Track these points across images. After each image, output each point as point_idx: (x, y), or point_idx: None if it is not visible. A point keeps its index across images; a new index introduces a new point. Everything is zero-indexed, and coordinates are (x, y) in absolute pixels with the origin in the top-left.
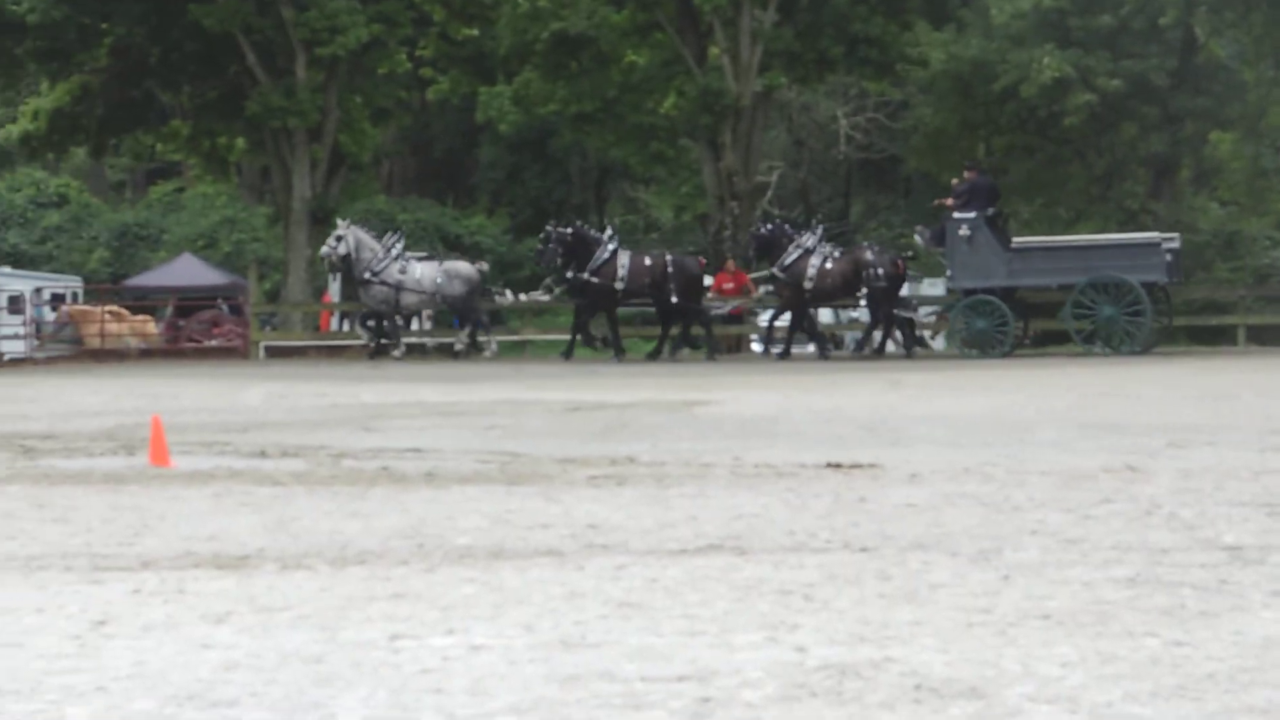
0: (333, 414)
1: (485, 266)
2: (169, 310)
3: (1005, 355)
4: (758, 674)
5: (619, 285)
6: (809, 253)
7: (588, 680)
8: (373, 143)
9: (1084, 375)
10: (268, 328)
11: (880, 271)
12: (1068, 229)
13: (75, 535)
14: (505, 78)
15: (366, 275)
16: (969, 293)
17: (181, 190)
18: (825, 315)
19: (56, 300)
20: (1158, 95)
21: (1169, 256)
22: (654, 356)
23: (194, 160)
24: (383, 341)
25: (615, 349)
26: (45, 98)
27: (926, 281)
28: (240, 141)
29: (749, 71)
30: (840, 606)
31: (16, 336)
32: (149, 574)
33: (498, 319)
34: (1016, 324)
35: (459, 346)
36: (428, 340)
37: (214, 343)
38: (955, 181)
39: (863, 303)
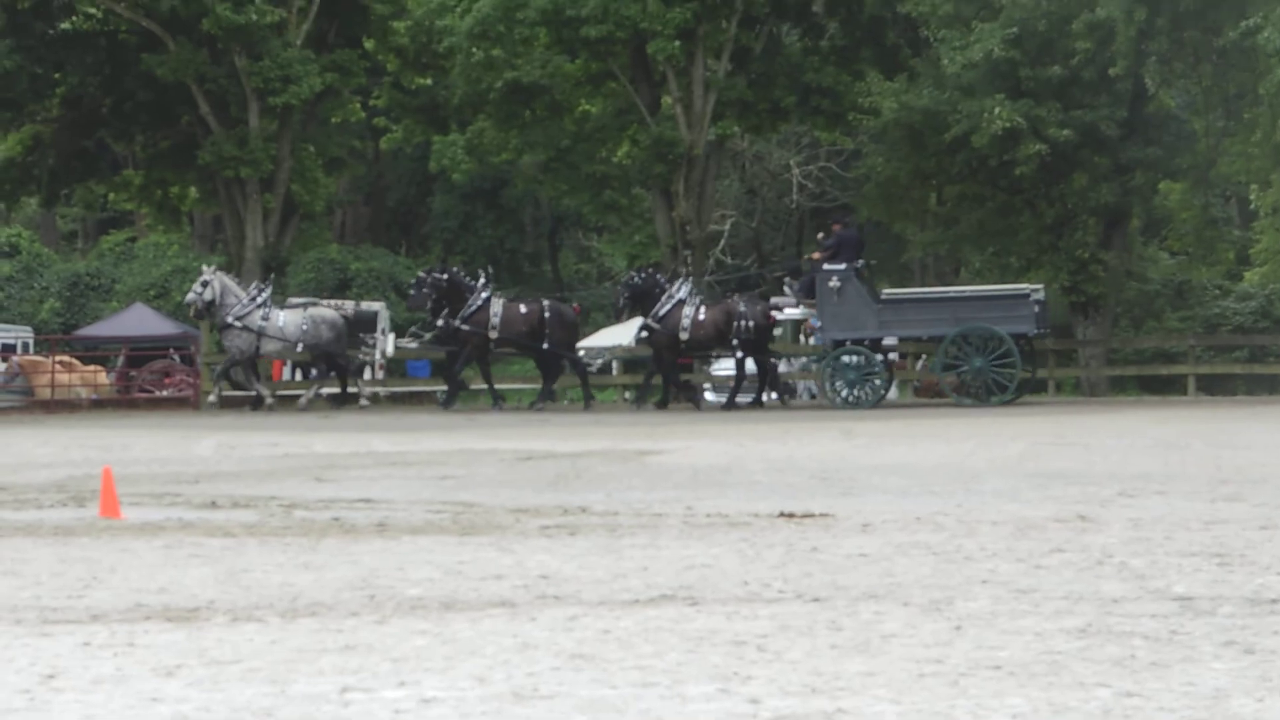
0: (284, 464)
1: (350, 311)
2: (120, 360)
3: (875, 405)
4: None
5: (492, 333)
6: (682, 303)
7: None
8: (326, 192)
9: (1034, 424)
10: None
11: (750, 324)
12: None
13: (24, 588)
14: (459, 127)
15: (229, 320)
16: (838, 343)
17: (133, 240)
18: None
19: (7, 350)
20: (1108, 145)
21: (1037, 308)
22: (536, 405)
23: (146, 210)
24: (238, 392)
25: (493, 397)
26: None
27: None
28: (193, 191)
29: (702, 120)
30: (793, 657)
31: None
32: (99, 627)
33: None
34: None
35: (306, 397)
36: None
37: (165, 393)
38: (821, 236)
39: (738, 354)
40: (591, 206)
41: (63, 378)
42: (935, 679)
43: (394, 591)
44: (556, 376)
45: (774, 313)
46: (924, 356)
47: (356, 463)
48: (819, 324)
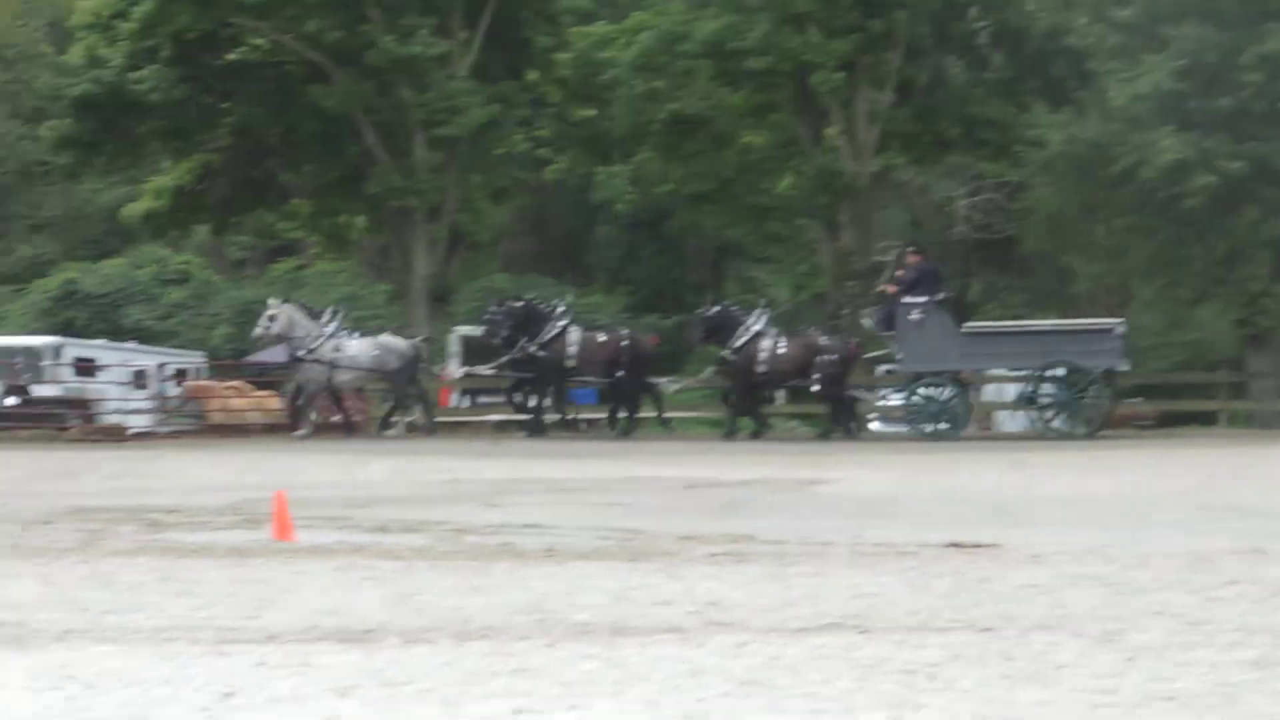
0: (454, 490)
1: (421, 340)
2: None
3: (958, 437)
4: None
5: (570, 362)
6: (760, 335)
7: None
8: (491, 222)
9: (1208, 456)
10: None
11: (835, 359)
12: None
13: (201, 608)
14: (622, 158)
15: (300, 354)
16: (918, 376)
17: (302, 268)
18: None
19: (180, 375)
20: None
21: (1120, 342)
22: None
23: (315, 238)
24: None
25: (539, 428)
26: (167, 176)
27: None
28: (360, 220)
29: (866, 151)
30: (964, 686)
31: (141, 411)
32: (274, 647)
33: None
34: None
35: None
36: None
37: (336, 418)
38: (899, 272)
39: (815, 387)
40: (755, 237)
41: (235, 403)
42: (1109, 710)
43: (563, 616)
44: (637, 407)
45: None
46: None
47: (525, 488)
48: (900, 356)
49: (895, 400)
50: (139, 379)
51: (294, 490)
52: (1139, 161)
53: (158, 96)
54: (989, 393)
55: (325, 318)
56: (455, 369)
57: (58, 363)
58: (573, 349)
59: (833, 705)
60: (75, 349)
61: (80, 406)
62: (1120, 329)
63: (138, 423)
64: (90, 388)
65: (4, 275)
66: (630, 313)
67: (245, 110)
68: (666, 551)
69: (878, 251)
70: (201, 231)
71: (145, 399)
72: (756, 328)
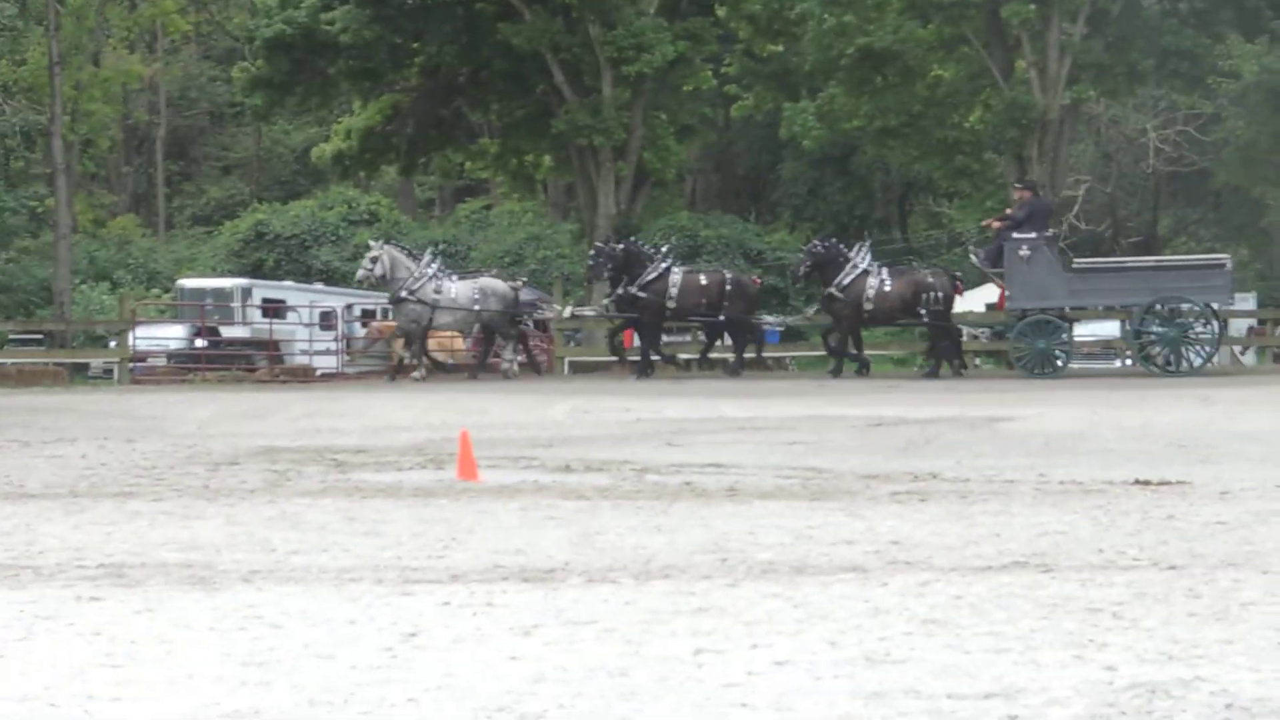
0: (636, 429)
1: (520, 284)
2: (476, 326)
3: (1059, 375)
4: (1065, 692)
5: (670, 303)
6: (866, 273)
7: (893, 697)
8: (677, 160)
9: None
10: (572, 343)
11: (940, 295)
12: None
13: (386, 548)
14: (809, 94)
15: (402, 294)
16: (1026, 313)
17: (489, 208)
18: None
19: (366, 316)
20: None
21: (1229, 278)
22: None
23: (501, 178)
24: (404, 361)
25: (646, 368)
26: (357, 117)
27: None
28: (547, 159)
29: (1056, 84)
30: (1149, 625)
31: (328, 352)
32: (458, 586)
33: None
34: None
35: (504, 366)
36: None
37: (520, 359)
38: (1009, 209)
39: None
40: (943, 172)
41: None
42: None
43: (745, 555)
44: (745, 347)
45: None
46: None
47: (707, 428)
48: (1008, 293)
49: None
50: (326, 320)
51: (478, 430)
52: None
53: (348, 37)
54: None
55: (425, 259)
56: (566, 310)
57: (247, 304)
58: (674, 290)
59: (1016, 644)
60: (264, 290)
61: (268, 348)
62: (1229, 265)
63: (325, 364)
64: (278, 329)
65: (194, 217)
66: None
67: (434, 49)
68: (849, 490)
69: (1068, 185)
70: (390, 172)
71: (332, 340)
72: (862, 265)
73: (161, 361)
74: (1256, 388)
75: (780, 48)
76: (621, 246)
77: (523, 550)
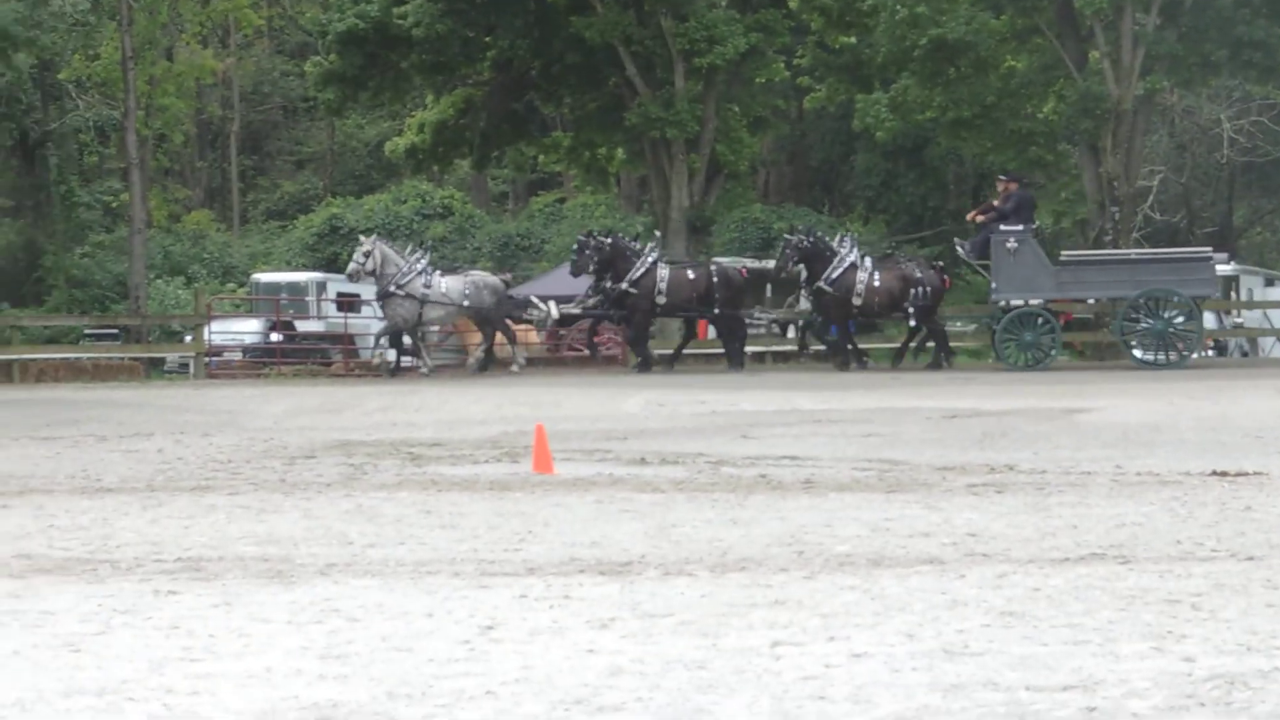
0: (711, 422)
1: (509, 278)
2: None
3: (1048, 366)
4: (1144, 684)
5: (660, 299)
6: (854, 266)
7: (971, 689)
8: (750, 152)
9: None
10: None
11: (928, 289)
12: None
13: (462, 541)
14: (882, 85)
15: (391, 289)
16: (1012, 306)
17: (562, 201)
18: None
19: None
20: None
21: (1214, 271)
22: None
23: (574, 171)
24: (404, 360)
25: (642, 361)
26: (430, 111)
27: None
28: (619, 152)
29: (1130, 75)
30: (1227, 616)
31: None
32: (535, 579)
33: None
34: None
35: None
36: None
37: (587, 352)
38: (995, 201)
39: (911, 321)
40: (1016, 163)
41: (498, 337)
42: None
43: (822, 548)
44: (732, 339)
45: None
46: None
47: (782, 420)
48: (994, 285)
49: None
50: None
51: (552, 423)
52: None
53: (421, 31)
54: None
55: (415, 254)
56: (554, 308)
57: (321, 298)
58: (663, 284)
59: (1094, 636)
60: (338, 284)
61: (343, 342)
62: (1214, 258)
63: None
64: (353, 323)
65: (269, 211)
66: (889, 241)
67: (506, 43)
68: (925, 483)
69: (1143, 176)
70: (463, 166)
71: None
72: (850, 258)
73: (237, 356)
74: None
75: (853, 39)
76: (609, 241)
77: (599, 543)
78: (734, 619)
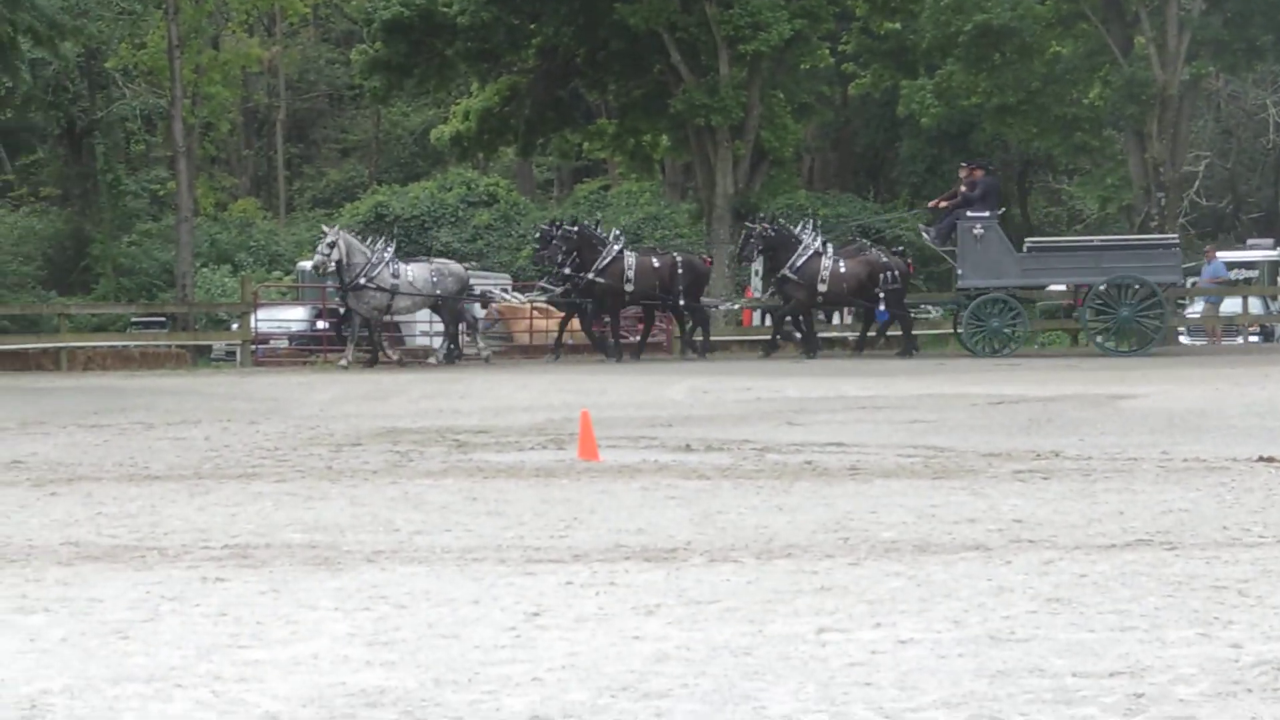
0: (756, 408)
1: (470, 267)
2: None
3: (1014, 353)
4: (1191, 670)
5: (628, 286)
6: (819, 254)
7: (1018, 675)
8: (794, 138)
9: None
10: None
11: (896, 274)
12: None
13: (508, 528)
14: (927, 71)
15: (361, 280)
16: (979, 292)
17: (607, 188)
18: None
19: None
20: None
21: (1179, 257)
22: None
23: (619, 158)
24: (363, 350)
25: (614, 351)
26: (475, 99)
27: None
28: (664, 139)
29: (1176, 60)
30: (1275, 602)
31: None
32: (580, 566)
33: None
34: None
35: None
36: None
37: (638, 339)
38: (964, 186)
39: (880, 307)
40: (1062, 149)
41: (540, 324)
42: None
43: (867, 534)
44: (694, 328)
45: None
46: None
47: (827, 406)
48: (960, 271)
49: (1193, 313)
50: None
51: (597, 410)
52: None
53: (466, 19)
54: None
55: (379, 245)
56: (518, 298)
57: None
58: (630, 272)
59: (1141, 622)
60: None
61: (389, 330)
62: (1177, 244)
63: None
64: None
65: (315, 199)
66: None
67: (551, 31)
68: (971, 469)
69: (1188, 162)
70: (508, 153)
71: None
72: (814, 246)
73: (283, 344)
74: None
75: (898, 25)
76: (576, 229)
77: (644, 530)
78: (780, 605)
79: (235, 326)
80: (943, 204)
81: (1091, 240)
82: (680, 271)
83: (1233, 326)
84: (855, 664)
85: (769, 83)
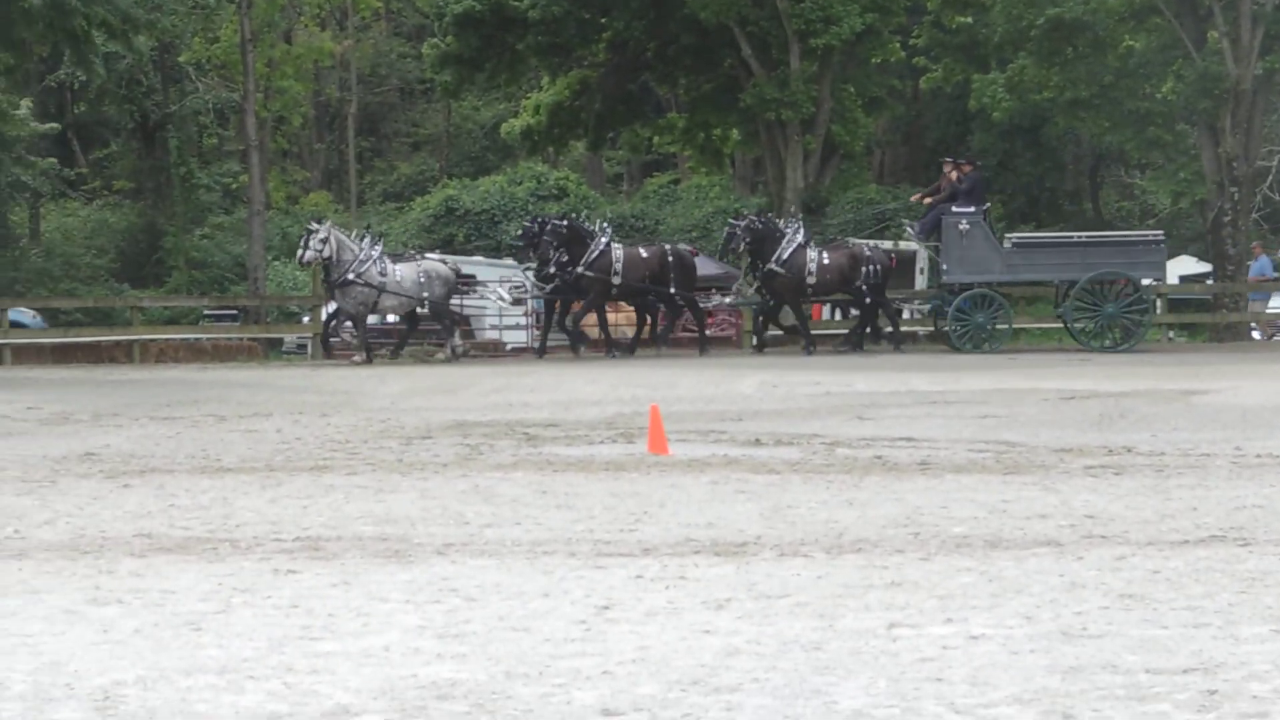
0: (826, 403)
1: (459, 269)
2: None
3: (999, 349)
4: (1265, 667)
5: (616, 279)
6: (803, 247)
7: (1090, 671)
8: (865, 132)
9: None
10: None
11: (878, 268)
12: None
13: (578, 521)
14: (998, 65)
15: (350, 277)
16: (964, 287)
17: (677, 182)
18: None
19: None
20: None
21: (1164, 254)
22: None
23: (689, 152)
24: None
25: (617, 347)
26: (545, 93)
27: None
28: (734, 133)
29: (1249, 54)
30: None
31: (518, 327)
32: (650, 560)
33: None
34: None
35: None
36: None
37: (708, 332)
38: (955, 177)
39: (866, 299)
40: (1134, 144)
41: (608, 317)
42: None
43: (938, 529)
44: (701, 319)
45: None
46: None
47: (897, 401)
48: (945, 266)
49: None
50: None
51: (666, 404)
52: None
53: (537, 13)
54: None
55: (366, 242)
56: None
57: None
58: (619, 265)
59: (1215, 619)
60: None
61: (459, 323)
62: (1162, 241)
63: (515, 339)
64: (468, 304)
65: (385, 193)
66: (1005, 222)
67: (622, 24)
68: (1042, 464)
69: (1262, 156)
70: (578, 147)
71: (522, 315)
72: (798, 240)
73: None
74: None
75: (969, 19)
76: (565, 223)
77: (714, 524)
78: (850, 600)
79: (307, 319)
80: (926, 200)
81: (1076, 236)
82: (671, 261)
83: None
84: (926, 659)
85: (840, 77)
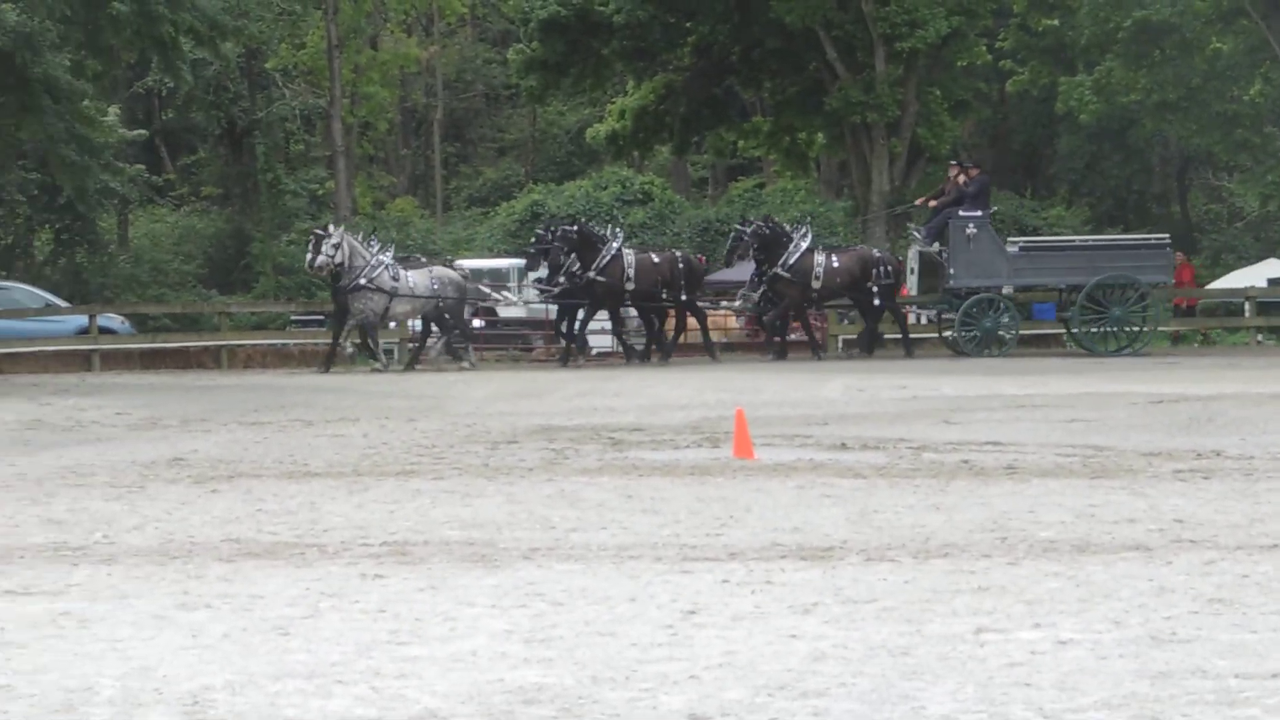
0: (912, 407)
1: (468, 273)
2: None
3: (1007, 354)
4: None
5: (629, 285)
6: (811, 251)
7: (1179, 677)
8: (951, 135)
9: None
10: (845, 321)
11: (889, 269)
12: None
13: (664, 526)
14: (1085, 67)
15: (361, 282)
16: (971, 292)
17: (762, 186)
18: None
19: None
20: None
21: (1170, 258)
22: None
23: (774, 156)
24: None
25: (627, 350)
26: (630, 97)
27: None
28: (820, 137)
29: None
30: None
31: (603, 331)
32: (736, 564)
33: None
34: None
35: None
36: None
37: (793, 337)
38: (962, 180)
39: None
40: (1222, 146)
41: (694, 322)
42: None
43: (1025, 534)
44: (705, 325)
45: None
46: None
47: (984, 405)
48: (951, 270)
49: None
50: None
51: (752, 408)
52: None
53: (622, 17)
54: None
55: (376, 247)
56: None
57: (523, 284)
58: (631, 271)
59: None
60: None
61: (544, 328)
62: (1168, 245)
63: (600, 343)
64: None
65: (471, 198)
66: (1093, 225)
67: (707, 28)
68: (1130, 468)
69: None
70: (663, 151)
71: (607, 320)
72: (805, 244)
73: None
74: None
75: (1056, 21)
76: (575, 229)
77: (800, 528)
78: (937, 605)
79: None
80: (931, 203)
81: (1083, 240)
82: (681, 268)
83: None
84: (1014, 664)
85: (925, 80)
